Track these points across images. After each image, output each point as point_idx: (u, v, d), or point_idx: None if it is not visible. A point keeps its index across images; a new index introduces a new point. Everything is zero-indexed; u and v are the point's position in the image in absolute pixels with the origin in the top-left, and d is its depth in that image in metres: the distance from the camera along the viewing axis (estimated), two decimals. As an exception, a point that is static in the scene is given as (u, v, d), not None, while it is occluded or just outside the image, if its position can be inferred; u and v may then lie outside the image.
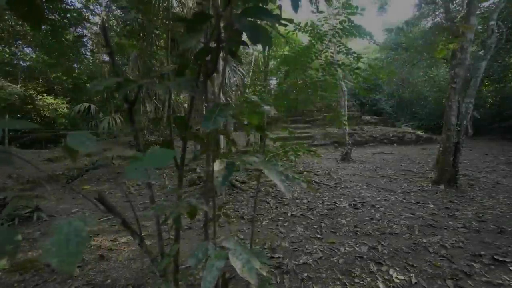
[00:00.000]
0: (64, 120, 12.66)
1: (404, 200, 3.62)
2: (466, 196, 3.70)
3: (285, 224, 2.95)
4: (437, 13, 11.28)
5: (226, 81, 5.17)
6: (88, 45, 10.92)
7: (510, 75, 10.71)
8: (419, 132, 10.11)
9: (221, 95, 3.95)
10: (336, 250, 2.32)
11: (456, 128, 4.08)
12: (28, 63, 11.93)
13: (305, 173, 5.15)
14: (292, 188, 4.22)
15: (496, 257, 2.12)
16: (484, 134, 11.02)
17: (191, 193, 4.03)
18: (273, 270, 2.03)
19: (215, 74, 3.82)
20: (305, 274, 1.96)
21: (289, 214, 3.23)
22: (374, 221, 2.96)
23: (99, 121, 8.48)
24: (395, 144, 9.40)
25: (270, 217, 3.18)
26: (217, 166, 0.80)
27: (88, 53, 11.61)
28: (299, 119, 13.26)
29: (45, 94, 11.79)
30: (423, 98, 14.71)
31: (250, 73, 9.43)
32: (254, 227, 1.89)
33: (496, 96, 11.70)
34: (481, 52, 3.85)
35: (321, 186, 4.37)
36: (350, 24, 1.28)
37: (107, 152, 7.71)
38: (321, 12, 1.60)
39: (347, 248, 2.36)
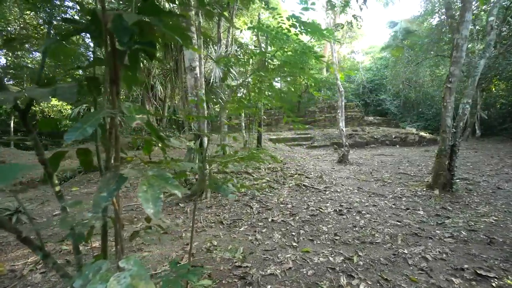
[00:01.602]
0: (68, 121, 12.97)
1: (393, 206, 3.46)
2: (461, 202, 3.50)
3: (263, 231, 2.85)
4: (443, 10, 10.90)
5: (217, 81, 5.11)
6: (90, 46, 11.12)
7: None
8: (422, 133, 9.77)
9: (200, 92, 3.87)
10: (308, 260, 2.21)
11: (452, 130, 3.87)
12: (33, 65, 12.24)
13: (296, 176, 5.02)
14: (270, 194, 4.12)
15: (479, 271, 1.96)
16: (494, 135, 10.58)
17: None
18: (236, 281, 1.94)
19: (198, 74, 3.70)
20: (269, 286, 1.86)
21: (269, 220, 3.13)
22: (356, 228, 2.82)
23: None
24: (397, 146, 9.12)
25: (250, 223, 3.09)
26: (107, 178, 0.72)
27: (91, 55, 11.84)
28: (300, 120, 13.10)
29: (49, 96, 12.10)
30: (429, 98, 14.24)
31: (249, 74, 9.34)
32: (193, 239, 1.82)
33: (508, 96, 11.20)
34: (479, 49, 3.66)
35: (310, 190, 4.23)
36: (296, 20, 1.18)
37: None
38: (274, 8, 1.50)
39: (320, 258, 2.24)
